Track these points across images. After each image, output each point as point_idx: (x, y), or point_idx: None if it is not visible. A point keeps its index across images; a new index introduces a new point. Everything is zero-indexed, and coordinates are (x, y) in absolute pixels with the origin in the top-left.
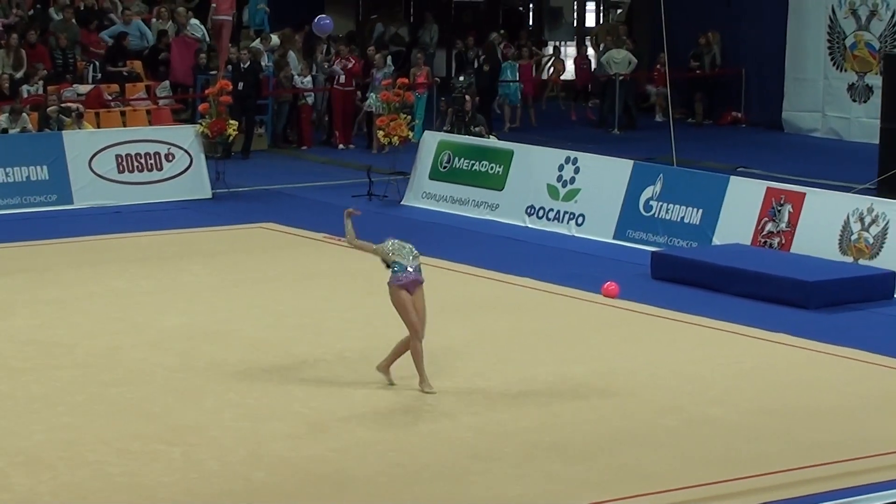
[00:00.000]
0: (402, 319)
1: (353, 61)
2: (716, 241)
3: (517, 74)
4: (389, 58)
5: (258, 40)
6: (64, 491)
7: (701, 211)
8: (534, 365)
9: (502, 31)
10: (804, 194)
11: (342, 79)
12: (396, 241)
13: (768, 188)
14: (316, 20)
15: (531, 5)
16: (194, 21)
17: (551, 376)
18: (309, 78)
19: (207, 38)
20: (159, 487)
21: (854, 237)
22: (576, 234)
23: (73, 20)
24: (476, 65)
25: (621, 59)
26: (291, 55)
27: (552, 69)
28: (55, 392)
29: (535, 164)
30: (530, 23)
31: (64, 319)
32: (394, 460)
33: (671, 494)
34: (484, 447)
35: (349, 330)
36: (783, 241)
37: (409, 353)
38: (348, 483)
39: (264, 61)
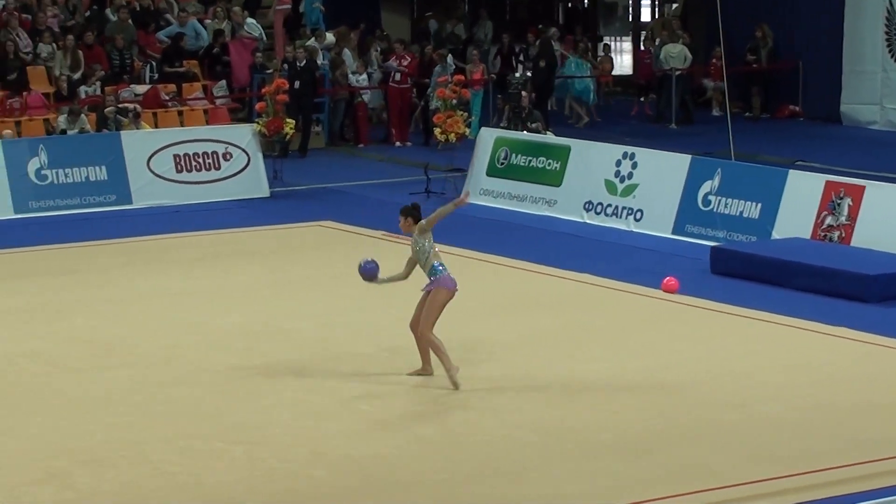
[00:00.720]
0: (433, 317)
1: (409, 59)
2: (775, 235)
3: (587, 71)
4: (450, 56)
5: (313, 38)
6: (126, 490)
7: (760, 205)
8: (592, 361)
9: (552, 28)
10: (864, 187)
11: (398, 76)
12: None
13: (827, 182)
14: (362, 265)
15: (586, 0)
16: (251, 20)
17: (610, 372)
18: (364, 76)
19: (264, 38)
20: (221, 486)
21: None
22: (634, 230)
23: (130, 21)
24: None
25: (677, 54)
26: (347, 53)
27: (601, 67)
28: (115, 392)
29: (593, 160)
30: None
31: (123, 319)
32: (454, 458)
33: (730, 490)
34: (542, 444)
35: (405, 328)
36: (843, 235)
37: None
38: (409, 481)
39: (320, 60)
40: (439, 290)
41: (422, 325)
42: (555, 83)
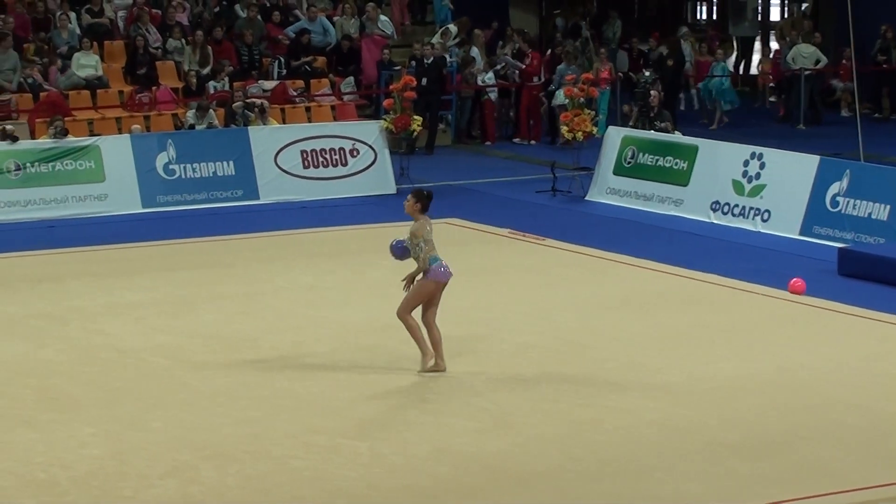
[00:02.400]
0: (413, 303)
1: (532, 57)
2: None
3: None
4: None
5: (439, 34)
6: (250, 484)
7: (889, 207)
8: (717, 361)
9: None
10: None
11: (516, 76)
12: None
13: None
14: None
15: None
16: (384, 17)
17: (735, 372)
18: (491, 74)
19: (395, 36)
20: (344, 481)
21: None
22: (761, 230)
23: (259, 17)
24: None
25: (809, 55)
26: (475, 51)
27: (760, 68)
28: (240, 386)
29: (720, 160)
30: (714, 17)
31: (249, 314)
32: (576, 456)
33: (855, 494)
34: (666, 444)
35: (531, 325)
36: None
37: (420, 333)
38: (531, 478)
39: (448, 57)
40: (428, 282)
41: (400, 307)
42: (682, 82)
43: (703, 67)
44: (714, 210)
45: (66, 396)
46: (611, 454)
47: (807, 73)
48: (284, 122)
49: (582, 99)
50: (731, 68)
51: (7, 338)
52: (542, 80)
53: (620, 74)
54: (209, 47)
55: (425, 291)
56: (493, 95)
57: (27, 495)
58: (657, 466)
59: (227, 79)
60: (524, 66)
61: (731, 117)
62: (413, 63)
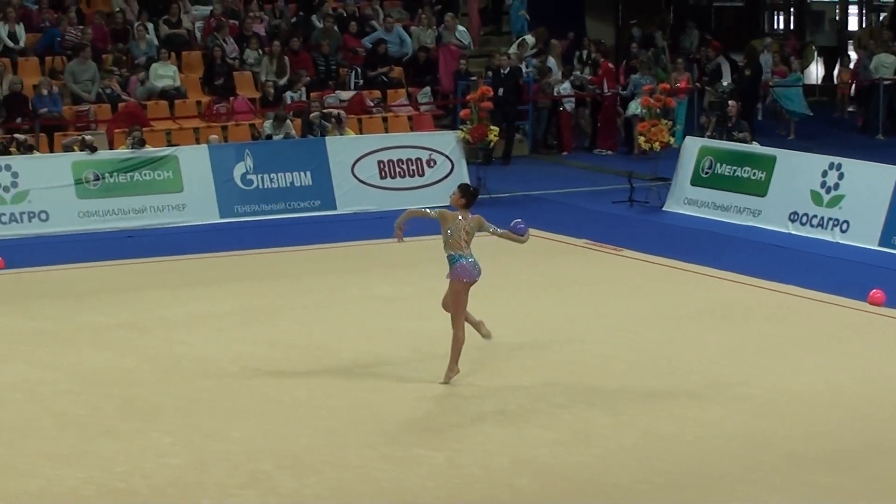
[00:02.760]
0: (459, 309)
1: (601, 67)
2: None
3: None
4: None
5: (516, 45)
6: (329, 494)
7: None
8: (798, 373)
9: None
10: None
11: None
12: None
13: None
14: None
15: (792, 9)
16: (461, 28)
17: (816, 384)
18: (567, 84)
19: (472, 46)
20: (422, 492)
21: None
22: (840, 241)
23: (335, 27)
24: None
25: (891, 64)
26: (551, 61)
27: (838, 78)
28: (319, 396)
29: (799, 170)
30: (791, 26)
31: (327, 324)
32: (657, 468)
33: None
34: (747, 456)
35: (610, 336)
36: None
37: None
38: (611, 490)
39: (524, 68)
40: (454, 282)
41: (452, 318)
42: (759, 92)
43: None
44: (792, 221)
45: (146, 406)
46: (691, 466)
47: (886, 82)
48: (361, 133)
49: (658, 109)
50: (812, 78)
51: (90, 347)
52: (618, 89)
53: (698, 84)
54: (286, 58)
55: (456, 291)
56: (570, 106)
57: None
58: (738, 479)
59: (304, 89)
60: (592, 78)
61: (809, 128)
62: (490, 73)
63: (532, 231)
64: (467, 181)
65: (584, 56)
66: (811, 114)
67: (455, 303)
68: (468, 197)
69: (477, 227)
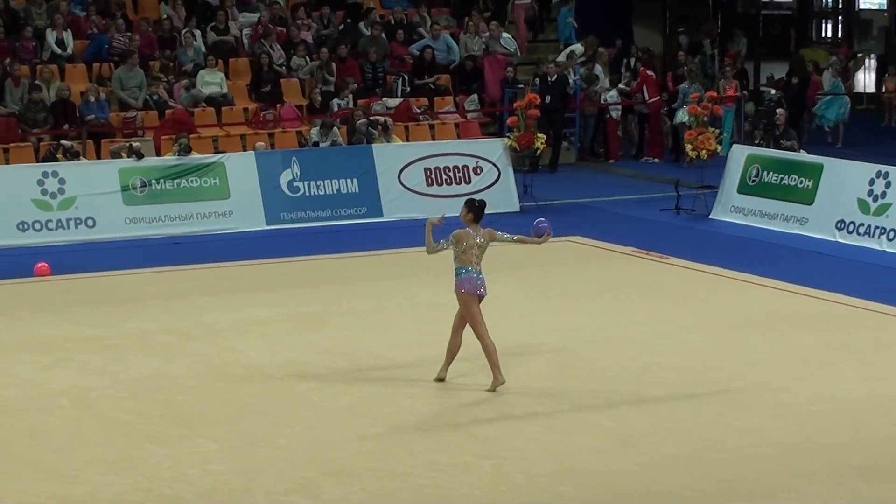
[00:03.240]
0: (475, 320)
1: (643, 75)
2: None
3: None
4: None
5: (565, 54)
6: (373, 501)
7: None
8: (842, 381)
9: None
10: None
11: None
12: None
13: None
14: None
15: (840, 17)
16: (506, 35)
17: (860, 393)
18: (614, 92)
19: (518, 53)
20: (467, 500)
21: None
22: (887, 249)
23: (383, 34)
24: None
25: None
26: (598, 69)
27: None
28: (364, 403)
29: (846, 179)
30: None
31: (373, 331)
32: (700, 475)
33: None
34: (791, 464)
35: (655, 344)
36: None
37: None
38: (655, 498)
39: (571, 75)
40: (463, 295)
41: (475, 332)
42: (807, 101)
43: (815, 86)
44: (839, 229)
45: (193, 412)
46: (735, 474)
47: None
48: (408, 140)
49: (706, 117)
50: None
51: (138, 353)
52: (662, 97)
53: (745, 93)
54: (333, 65)
55: (465, 303)
56: (616, 113)
57: None
58: (781, 487)
59: (350, 96)
60: (632, 87)
61: (856, 136)
62: (537, 81)
63: (578, 239)
64: (514, 188)
65: (632, 64)
66: (838, 120)
67: (469, 315)
68: (475, 211)
69: (489, 240)
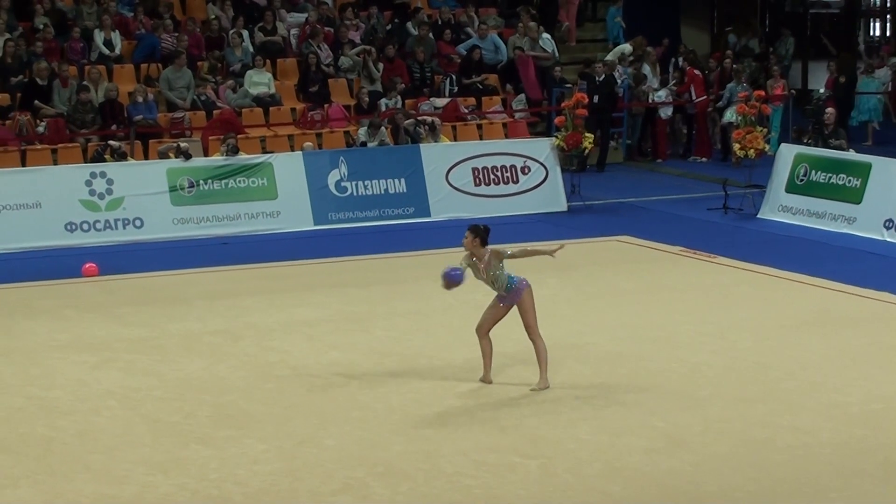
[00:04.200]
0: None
1: (690, 75)
2: None
3: (877, 89)
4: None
5: (612, 53)
6: (422, 502)
7: None
8: (893, 381)
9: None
10: None
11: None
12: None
13: None
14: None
15: (889, 16)
16: (546, 35)
17: None
18: (663, 91)
19: (556, 53)
20: (516, 500)
21: None
22: None
23: (430, 34)
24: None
25: None
26: (647, 68)
27: None
28: (413, 403)
29: (894, 178)
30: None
31: (422, 331)
32: (750, 475)
33: None
34: (843, 464)
35: (704, 343)
36: None
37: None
38: (705, 498)
39: (619, 75)
40: (525, 294)
41: (531, 333)
42: (854, 100)
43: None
44: (887, 228)
45: (240, 413)
46: (785, 474)
47: None
48: (456, 140)
49: (753, 116)
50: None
51: (185, 354)
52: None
53: (793, 92)
54: (382, 65)
55: (530, 305)
56: (665, 113)
57: None
58: (832, 487)
59: (398, 96)
60: (679, 87)
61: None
62: (585, 81)
63: (626, 238)
64: (561, 188)
65: (679, 63)
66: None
67: (533, 314)
68: (481, 235)
69: (497, 259)
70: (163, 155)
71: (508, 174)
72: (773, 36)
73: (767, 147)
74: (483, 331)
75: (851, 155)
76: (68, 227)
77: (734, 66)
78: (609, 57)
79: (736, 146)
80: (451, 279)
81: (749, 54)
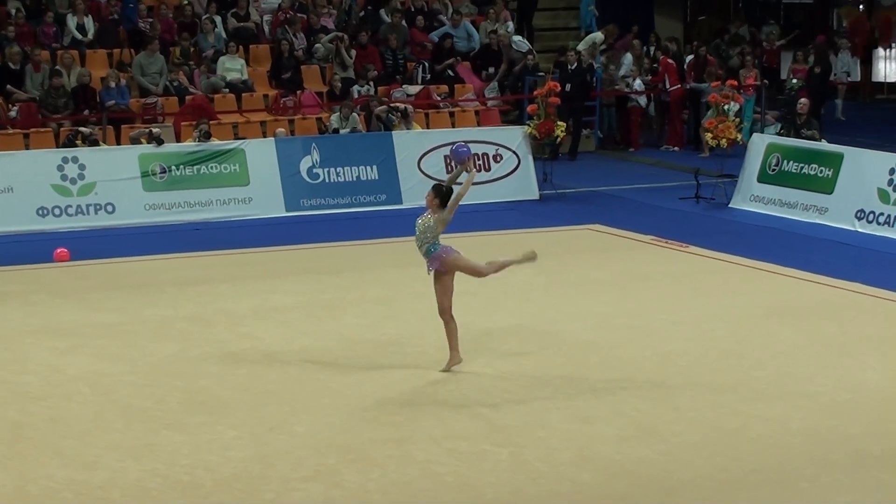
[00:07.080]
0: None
1: (663, 64)
2: None
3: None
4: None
5: (584, 41)
6: (393, 489)
7: None
8: (863, 371)
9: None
10: None
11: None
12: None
13: None
14: (455, 148)
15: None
16: (517, 38)
17: (882, 383)
18: (639, 80)
19: (533, 52)
20: (486, 487)
21: None
22: None
23: (403, 22)
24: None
25: None
26: (628, 57)
27: None
28: (384, 390)
29: (866, 168)
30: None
31: (393, 318)
32: (720, 465)
33: None
34: (814, 453)
35: (676, 332)
36: None
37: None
38: (676, 487)
39: (587, 62)
40: (448, 259)
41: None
42: (828, 90)
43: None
44: (859, 218)
45: (212, 399)
46: (756, 463)
47: None
48: (428, 127)
49: (726, 106)
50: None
51: (156, 340)
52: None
53: (765, 81)
54: (354, 51)
55: (462, 262)
56: (642, 101)
57: (172, 497)
58: (803, 476)
59: (371, 83)
60: (652, 78)
61: (877, 125)
62: (557, 69)
63: (598, 227)
64: (533, 176)
65: (651, 52)
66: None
67: (468, 264)
68: (441, 196)
69: (438, 223)
70: (135, 140)
71: (480, 162)
72: (755, 23)
73: (739, 136)
74: (446, 314)
75: (824, 145)
76: (40, 211)
77: (709, 55)
78: (580, 46)
79: (708, 136)
80: (459, 156)
81: (740, 42)
